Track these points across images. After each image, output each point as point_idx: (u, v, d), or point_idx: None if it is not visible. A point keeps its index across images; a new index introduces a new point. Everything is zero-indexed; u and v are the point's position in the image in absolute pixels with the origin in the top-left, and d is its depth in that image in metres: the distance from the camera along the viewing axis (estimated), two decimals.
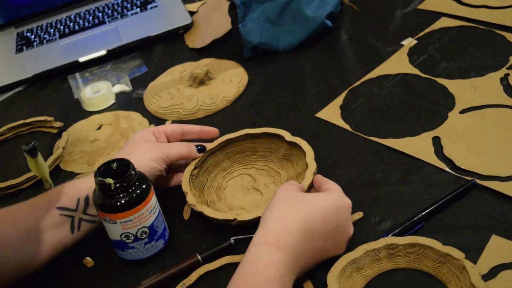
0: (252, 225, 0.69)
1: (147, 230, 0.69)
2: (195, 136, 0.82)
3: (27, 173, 0.87)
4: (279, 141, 0.80)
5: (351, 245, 0.64)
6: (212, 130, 0.83)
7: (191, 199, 0.73)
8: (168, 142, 0.81)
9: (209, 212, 0.72)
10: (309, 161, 0.74)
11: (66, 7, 1.40)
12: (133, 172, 0.66)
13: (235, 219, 0.70)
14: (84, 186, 0.71)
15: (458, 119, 0.82)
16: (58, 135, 0.99)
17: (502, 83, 0.87)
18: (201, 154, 0.79)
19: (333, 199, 0.64)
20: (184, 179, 0.76)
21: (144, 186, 0.67)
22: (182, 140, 0.82)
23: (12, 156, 0.99)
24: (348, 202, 0.65)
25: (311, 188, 0.72)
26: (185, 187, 0.75)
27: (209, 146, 0.80)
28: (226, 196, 0.78)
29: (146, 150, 0.75)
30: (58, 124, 1.01)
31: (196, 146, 0.78)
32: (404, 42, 1.01)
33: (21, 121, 1.03)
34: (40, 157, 0.56)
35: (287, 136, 0.79)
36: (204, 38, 1.15)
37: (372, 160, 0.79)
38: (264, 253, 0.57)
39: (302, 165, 0.76)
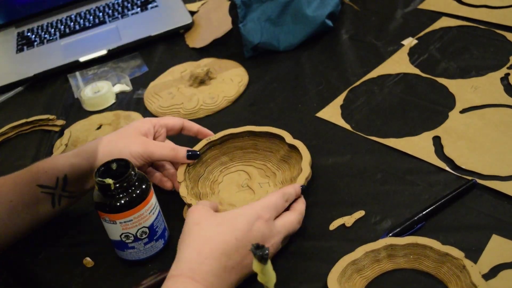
0: None
1: (147, 230, 0.69)
2: (192, 134, 0.82)
3: None
4: (280, 142, 0.80)
5: (351, 245, 0.64)
6: (208, 133, 0.82)
7: (183, 190, 0.73)
8: (168, 135, 0.81)
9: None
10: (304, 166, 0.73)
11: (67, 7, 1.40)
12: (132, 172, 0.66)
13: None
14: (62, 165, 0.73)
15: (458, 118, 0.82)
16: (60, 134, 0.99)
17: (503, 83, 0.87)
18: (190, 161, 0.76)
19: (244, 214, 0.62)
20: (180, 168, 0.76)
21: (144, 186, 0.67)
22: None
23: (14, 155, 0.99)
24: (261, 214, 0.63)
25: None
26: (180, 177, 0.75)
27: (211, 138, 0.80)
28: (219, 191, 0.78)
29: (130, 143, 0.74)
30: (60, 122, 1.01)
31: (188, 151, 0.76)
32: (405, 42, 1.01)
33: (24, 120, 1.03)
34: (269, 265, 0.52)
35: (288, 138, 0.78)
36: (205, 38, 1.15)
37: (373, 159, 0.79)
38: (180, 287, 0.57)
39: (298, 169, 0.74)
